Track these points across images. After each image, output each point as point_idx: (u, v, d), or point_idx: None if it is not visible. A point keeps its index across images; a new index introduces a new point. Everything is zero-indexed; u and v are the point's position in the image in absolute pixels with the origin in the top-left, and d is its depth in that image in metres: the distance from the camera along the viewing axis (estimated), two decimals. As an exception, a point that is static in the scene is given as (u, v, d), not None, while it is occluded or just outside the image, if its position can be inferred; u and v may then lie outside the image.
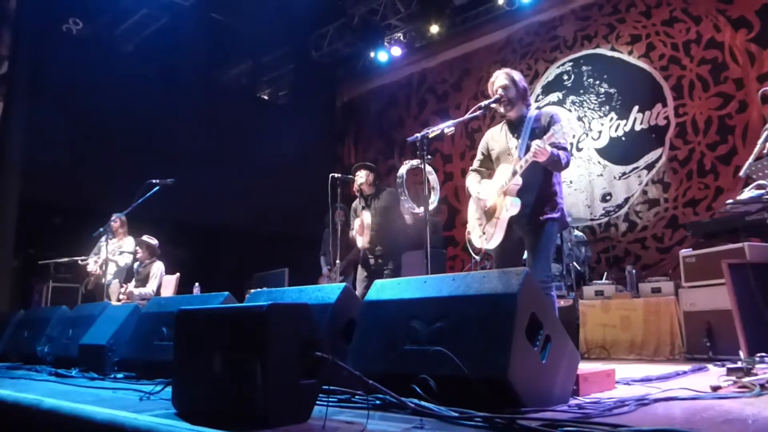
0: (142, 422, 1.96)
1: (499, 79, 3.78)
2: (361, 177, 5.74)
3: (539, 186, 3.66)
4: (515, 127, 3.79)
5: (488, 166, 3.94)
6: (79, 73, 8.16)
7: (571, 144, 7.94)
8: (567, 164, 3.64)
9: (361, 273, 5.73)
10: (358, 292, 5.51)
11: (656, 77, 7.39)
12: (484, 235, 3.79)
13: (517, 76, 3.81)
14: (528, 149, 3.55)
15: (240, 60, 10.38)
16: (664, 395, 2.55)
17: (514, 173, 3.58)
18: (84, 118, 8.19)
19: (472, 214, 3.95)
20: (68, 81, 8.08)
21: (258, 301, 3.14)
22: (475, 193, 3.85)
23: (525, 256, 3.87)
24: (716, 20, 6.94)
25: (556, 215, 3.66)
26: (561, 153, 3.55)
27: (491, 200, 3.75)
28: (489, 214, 3.76)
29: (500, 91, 3.73)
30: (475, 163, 4.02)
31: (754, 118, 6.50)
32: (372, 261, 5.54)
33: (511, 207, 3.59)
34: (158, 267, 6.63)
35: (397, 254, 5.66)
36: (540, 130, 3.65)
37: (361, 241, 5.56)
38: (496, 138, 3.88)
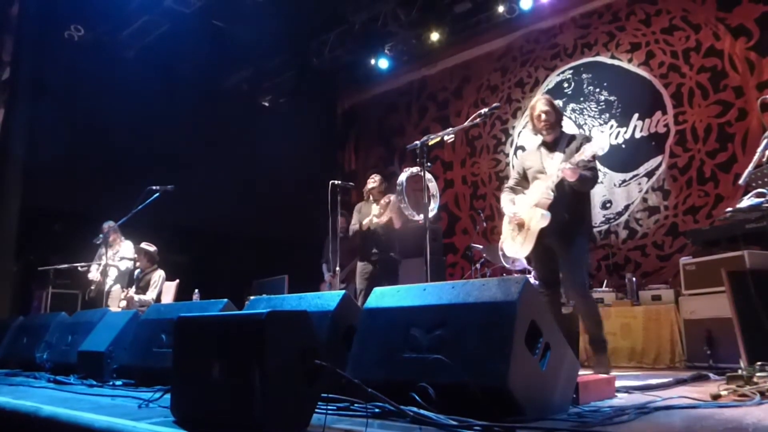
0: (141, 430, 1.96)
1: (540, 104, 4.14)
2: (374, 182, 5.84)
3: (569, 202, 3.97)
4: (550, 147, 4.13)
5: (523, 186, 4.29)
6: (80, 79, 8.18)
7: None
8: (594, 184, 4.02)
9: (360, 273, 5.75)
10: (358, 300, 5.54)
11: (656, 85, 7.41)
12: (517, 245, 4.16)
13: (555, 101, 4.24)
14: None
15: (241, 67, 10.39)
16: (664, 403, 2.55)
17: (547, 188, 3.92)
18: (85, 124, 8.20)
19: (506, 225, 4.29)
20: (70, 87, 8.10)
21: (257, 308, 3.14)
22: (510, 212, 4.18)
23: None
24: (716, 28, 6.97)
25: (584, 229, 4.05)
26: (589, 173, 3.88)
27: (523, 213, 4.07)
28: (521, 225, 4.10)
29: (543, 116, 4.09)
30: (511, 182, 4.39)
31: (753, 126, 6.51)
32: (374, 253, 5.64)
33: (542, 219, 3.91)
34: (159, 275, 6.63)
35: (395, 260, 5.70)
36: (573, 151, 3.95)
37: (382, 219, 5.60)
38: (532, 158, 4.23)
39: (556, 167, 3.94)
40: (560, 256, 4.01)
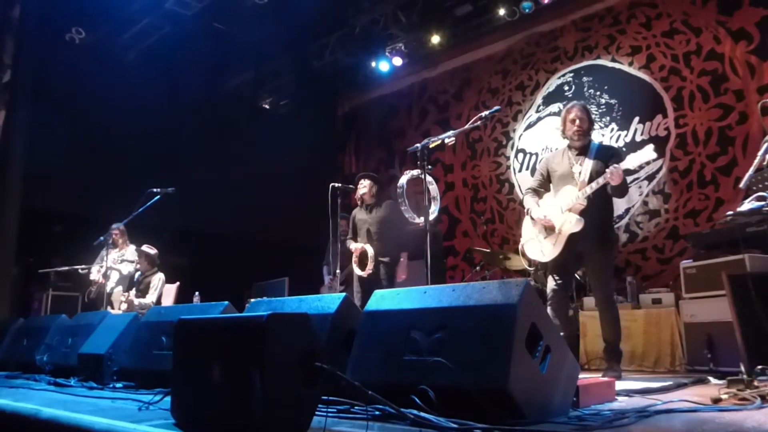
0: (141, 432, 1.96)
1: (576, 110, 4.23)
2: (364, 187, 5.79)
3: (602, 208, 4.10)
4: (580, 153, 4.20)
5: (546, 188, 4.36)
6: (81, 81, 8.19)
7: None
8: (627, 193, 4.19)
9: (357, 280, 5.76)
10: (355, 289, 5.60)
11: (656, 88, 7.41)
12: (542, 249, 4.21)
13: (589, 109, 4.34)
14: (595, 174, 4.00)
15: (241, 69, 10.40)
16: (664, 407, 2.55)
17: (584, 194, 3.99)
18: (86, 126, 8.21)
19: (529, 228, 4.36)
20: (70, 90, 8.10)
21: (258, 311, 3.14)
22: (537, 213, 4.23)
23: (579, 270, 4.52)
24: (716, 32, 6.97)
25: (614, 236, 4.22)
26: (626, 181, 4.03)
27: (554, 217, 4.11)
28: (550, 229, 4.15)
29: (578, 122, 4.18)
30: (534, 183, 4.45)
31: (754, 130, 6.51)
32: (372, 262, 5.62)
33: (576, 224, 3.98)
34: (159, 278, 6.62)
35: (393, 264, 5.70)
36: (607, 157, 4.08)
37: (360, 272, 5.65)
38: (558, 161, 4.30)
39: (588, 173, 4.03)
40: (590, 262, 4.12)
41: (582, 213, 3.99)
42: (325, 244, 7.18)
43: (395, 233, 5.72)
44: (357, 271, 5.69)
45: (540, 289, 4.69)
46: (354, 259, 5.77)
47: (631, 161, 3.89)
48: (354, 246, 5.80)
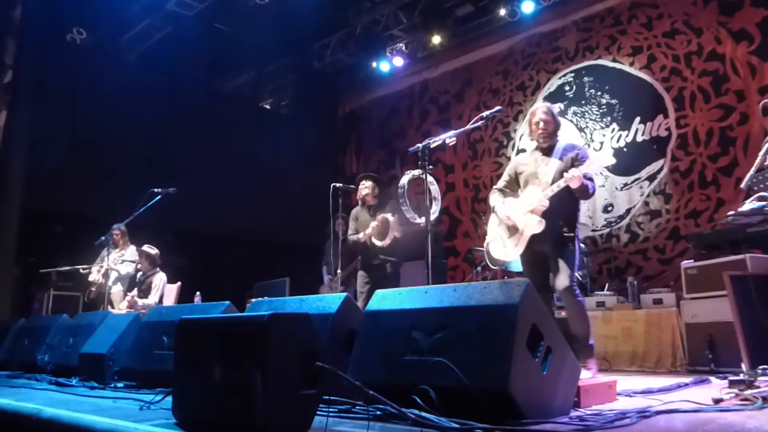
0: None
1: (540, 112, 4.18)
2: (367, 188, 5.75)
3: (565, 210, 4.04)
4: (546, 153, 4.17)
5: (512, 188, 4.33)
6: (82, 82, 8.20)
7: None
8: (592, 194, 4.08)
9: (361, 278, 5.72)
10: (359, 302, 5.51)
11: (657, 88, 7.41)
12: (505, 248, 4.18)
13: (555, 110, 4.28)
14: (558, 176, 3.96)
15: (242, 70, 10.41)
16: (665, 407, 2.54)
17: (546, 195, 3.94)
18: (87, 126, 8.22)
19: (494, 227, 4.32)
20: (71, 90, 8.11)
21: (259, 311, 3.14)
22: (501, 212, 4.20)
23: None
24: (717, 32, 6.97)
25: (575, 236, 4.07)
26: (589, 183, 3.96)
27: (517, 217, 4.09)
28: (513, 229, 4.13)
29: (542, 124, 4.14)
30: (500, 183, 4.39)
31: (755, 130, 6.51)
32: (375, 262, 5.58)
33: (537, 225, 3.95)
34: (160, 278, 6.62)
35: (396, 263, 5.67)
36: (570, 159, 4.04)
37: (379, 243, 5.49)
38: (526, 162, 4.28)
39: (552, 174, 4.00)
40: (552, 264, 4.04)
41: (544, 214, 3.96)
42: (323, 244, 7.18)
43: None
44: (376, 242, 5.54)
45: None
46: (371, 229, 5.53)
47: (591, 166, 3.89)
48: (363, 232, 5.65)
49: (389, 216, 5.48)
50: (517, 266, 5.04)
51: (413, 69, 10.29)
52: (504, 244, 4.19)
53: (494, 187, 4.45)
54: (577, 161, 3.99)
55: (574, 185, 3.85)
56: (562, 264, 3.96)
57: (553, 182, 3.97)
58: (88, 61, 8.54)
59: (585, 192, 3.96)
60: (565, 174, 3.87)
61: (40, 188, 7.67)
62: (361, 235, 5.64)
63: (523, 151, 8.61)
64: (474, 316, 2.28)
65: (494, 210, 4.31)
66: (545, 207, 3.95)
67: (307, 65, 10.51)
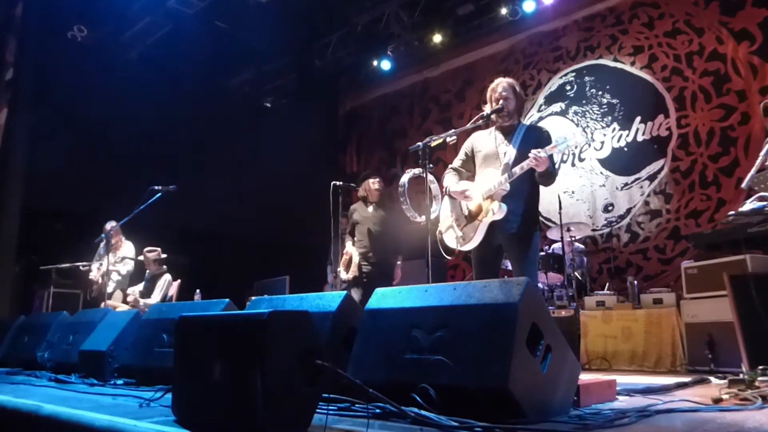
0: (142, 429, 1.96)
1: (501, 87, 3.81)
2: (375, 184, 5.81)
3: (526, 196, 3.67)
4: (506, 134, 3.80)
5: (469, 168, 3.95)
6: (83, 79, 8.19)
7: (573, 154, 7.96)
8: (554, 181, 3.68)
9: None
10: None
11: (658, 88, 7.41)
12: (461, 236, 3.78)
13: (517, 87, 3.87)
14: (521, 158, 3.58)
15: (243, 68, 10.39)
16: (665, 407, 2.54)
17: (507, 178, 3.59)
18: (88, 124, 8.23)
19: (447, 213, 3.93)
20: (72, 87, 8.11)
21: (259, 309, 3.13)
22: (455, 186, 3.81)
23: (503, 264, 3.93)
24: (719, 32, 6.97)
25: (537, 227, 3.72)
26: (554, 167, 3.62)
27: (474, 202, 3.73)
28: (471, 216, 3.75)
29: (501, 101, 3.77)
30: (456, 162, 4.01)
31: (756, 130, 6.51)
32: (365, 268, 5.63)
33: (498, 211, 3.58)
34: (165, 279, 6.65)
35: (389, 264, 5.71)
36: (533, 140, 3.67)
37: (344, 275, 5.68)
38: (484, 141, 3.89)
39: (513, 156, 3.64)
40: (512, 254, 3.69)
41: (504, 199, 3.58)
42: (327, 243, 7.18)
43: (394, 234, 5.73)
44: (342, 274, 5.72)
45: None
46: (343, 261, 5.80)
47: (558, 146, 3.54)
48: (347, 249, 5.82)
49: (354, 253, 5.67)
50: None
51: (414, 68, 10.29)
52: (460, 233, 3.78)
53: (449, 166, 4.03)
54: (542, 142, 3.62)
55: (540, 168, 3.47)
56: (526, 260, 3.60)
57: (515, 165, 3.60)
58: (89, 58, 8.53)
59: (549, 176, 3.58)
60: (530, 154, 3.47)
61: (41, 185, 7.67)
62: (346, 249, 5.80)
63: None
64: (474, 314, 2.27)
65: (447, 191, 3.90)
66: (506, 191, 3.60)
67: (307, 64, 10.50)
